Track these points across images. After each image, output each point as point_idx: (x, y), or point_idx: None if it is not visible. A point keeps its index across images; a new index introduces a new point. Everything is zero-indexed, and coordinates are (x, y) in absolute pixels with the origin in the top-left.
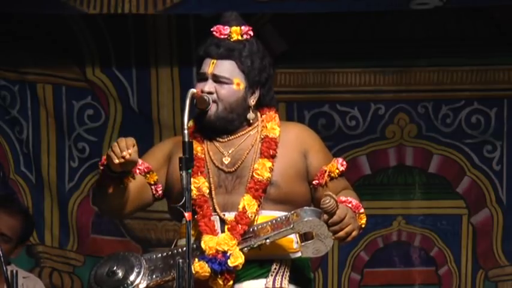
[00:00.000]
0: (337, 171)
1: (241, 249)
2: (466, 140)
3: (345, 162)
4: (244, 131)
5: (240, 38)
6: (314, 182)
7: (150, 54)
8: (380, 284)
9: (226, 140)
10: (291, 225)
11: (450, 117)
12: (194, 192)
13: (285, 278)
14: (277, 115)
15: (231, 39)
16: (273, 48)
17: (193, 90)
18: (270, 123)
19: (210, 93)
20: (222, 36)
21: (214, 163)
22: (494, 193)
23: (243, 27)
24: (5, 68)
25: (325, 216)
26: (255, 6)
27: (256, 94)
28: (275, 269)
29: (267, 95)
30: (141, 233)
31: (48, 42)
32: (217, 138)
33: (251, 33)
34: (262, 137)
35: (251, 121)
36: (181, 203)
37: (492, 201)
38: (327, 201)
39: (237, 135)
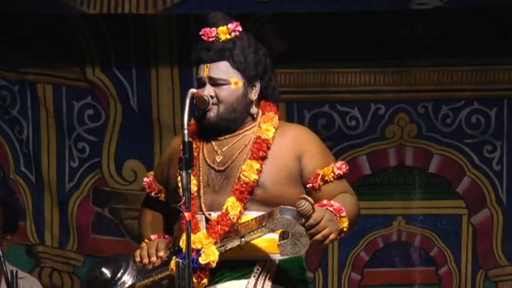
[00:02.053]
0: (332, 174)
1: (218, 249)
2: (466, 140)
3: (344, 166)
4: (242, 130)
5: (228, 36)
6: (308, 186)
7: (150, 54)
8: (380, 284)
9: (222, 138)
10: (263, 223)
11: (450, 117)
12: (181, 190)
13: (268, 279)
14: (276, 116)
15: (220, 40)
16: (273, 48)
17: (193, 90)
18: (266, 124)
19: (210, 97)
20: (211, 39)
21: (206, 161)
22: (494, 193)
23: (229, 26)
24: (5, 68)
25: (302, 220)
26: (255, 6)
27: (257, 87)
28: (258, 269)
29: (268, 87)
30: None
31: (48, 42)
32: (215, 136)
33: (239, 29)
34: (255, 137)
35: (255, 116)
36: (181, 203)
37: (492, 201)
38: (302, 204)
39: (233, 134)
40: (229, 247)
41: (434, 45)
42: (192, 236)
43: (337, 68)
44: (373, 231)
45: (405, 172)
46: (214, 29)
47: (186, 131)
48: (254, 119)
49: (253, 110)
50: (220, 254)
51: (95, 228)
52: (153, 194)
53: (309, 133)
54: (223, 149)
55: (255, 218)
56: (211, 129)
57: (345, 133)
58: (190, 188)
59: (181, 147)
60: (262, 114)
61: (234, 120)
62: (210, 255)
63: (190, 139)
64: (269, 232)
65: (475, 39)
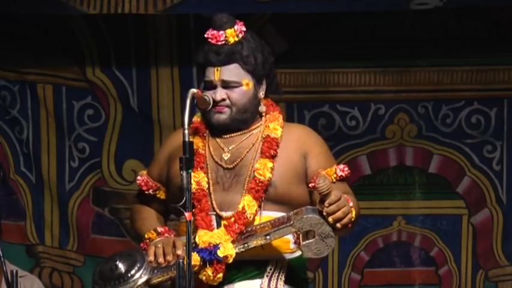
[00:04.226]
0: (334, 175)
1: (242, 247)
2: (466, 140)
3: (346, 169)
4: (249, 129)
5: (236, 39)
6: (310, 185)
7: (150, 54)
8: (380, 284)
9: (228, 136)
10: (291, 222)
11: (450, 117)
12: (194, 187)
13: (280, 279)
14: (281, 116)
15: (229, 43)
16: (273, 48)
17: (193, 90)
18: (273, 123)
19: (223, 100)
20: (220, 43)
21: (213, 158)
22: (494, 193)
23: (236, 27)
24: (5, 68)
25: (323, 205)
26: (255, 6)
27: (264, 85)
28: (270, 269)
29: (273, 83)
30: None
31: (48, 42)
32: (221, 134)
33: (244, 29)
34: (264, 136)
35: (263, 113)
36: (181, 203)
37: (492, 201)
38: (321, 181)
39: (240, 133)
40: (252, 245)
41: (434, 45)
42: (210, 233)
43: (337, 68)
44: (373, 231)
45: (405, 172)
46: (222, 32)
47: (186, 131)
48: (261, 116)
49: (262, 108)
50: (239, 253)
51: (95, 228)
52: (151, 191)
53: (313, 133)
54: (230, 147)
55: (270, 221)
56: (221, 129)
57: (345, 133)
58: (190, 187)
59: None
60: (267, 113)
61: (246, 120)
62: (228, 249)
63: (192, 137)
64: (295, 232)
65: (475, 39)
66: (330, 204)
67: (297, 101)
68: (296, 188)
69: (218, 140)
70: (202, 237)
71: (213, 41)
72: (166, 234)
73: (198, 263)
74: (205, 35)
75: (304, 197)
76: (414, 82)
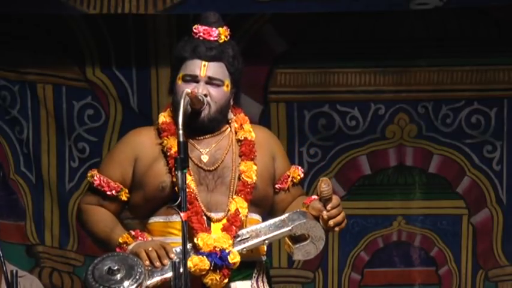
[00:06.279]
0: (298, 177)
1: (239, 251)
2: (466, 140)
3: (303, 170)
4: (219, 131)
5: (226, 39)
6: (277, 186)
7: (150, 54)
8: (380, 284)
9: (202, 138)
10: (290, 227)
11: (450, 117)
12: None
13: (264, 279)
14: (247, 117)
15: (220, 41)
16: (273, 48)
17: (187, 90)
18: (246, 125)
19: (204, 95)
20: (212, 39)
21: (193, 160)
22: (494, 193)
23: (225, 27)
24: (5, 68)
25: (323, 209)
26: (255, 6)
27: (233, 93)
28: (257, 270)
29: (238, 92)
30: None
31: (48, 42)
32: (193, 136)
33: (229, 32)
34: (240, 138)
35: (229, 120)
36: (177, 203)
37: (492, 201)
38: (325, 186)
39: (212, 135)
40: (249, 249)
41: (434, 45)
42: (211, 236)
43: (337, 68)
44: (373, 231)
45: (405, 172)
46: (215, 29)
47: (181, 131)
48: (228, 123)
49: (230, 114)
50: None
51: None
52: (113, 193)
53: (274, 135)
54: (207, 149)
55: (261, 225)
56: (199, 128)
57: (345, 133)
58: (185, 188)
59: (161, 145)
60: (233, 115)
61: (219, 121)
62: (236, 255)
63: (166, 139)
64: (290, 234)
65: (475, 39)
66: (332, 208)
67: (297, 101)
68: (270, 189)
69: (192, 141)
70: (206, 240)
71: (205, 36)
72: (140, 237)
73: (206, 268)
74: (195, 30)
75: (272, 198)
76: (414, 82)
